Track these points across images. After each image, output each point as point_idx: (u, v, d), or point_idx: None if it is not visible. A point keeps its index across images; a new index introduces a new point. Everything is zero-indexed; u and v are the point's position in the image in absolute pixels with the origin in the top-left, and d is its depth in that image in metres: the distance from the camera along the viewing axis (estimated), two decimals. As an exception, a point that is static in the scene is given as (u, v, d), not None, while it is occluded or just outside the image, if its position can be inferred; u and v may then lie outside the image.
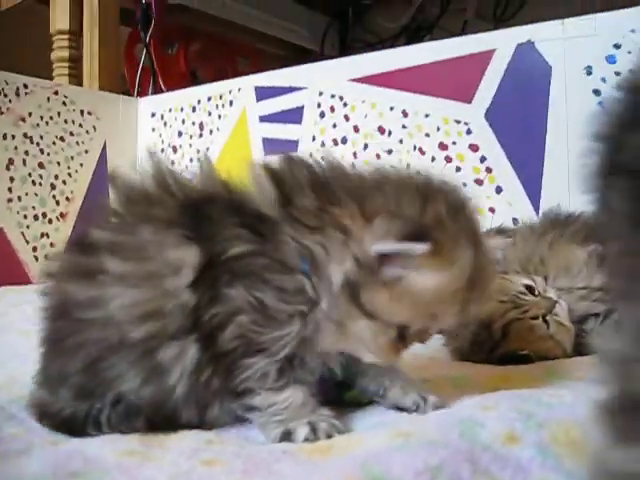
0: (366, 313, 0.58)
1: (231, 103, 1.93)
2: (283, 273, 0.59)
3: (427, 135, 1.60)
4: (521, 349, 0.91)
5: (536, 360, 0.91)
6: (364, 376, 0.68)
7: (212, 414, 0.64)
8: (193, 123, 2.01)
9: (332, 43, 2.99)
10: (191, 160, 1.99)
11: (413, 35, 2.76)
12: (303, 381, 0.62)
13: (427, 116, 1.60)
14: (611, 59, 1.37)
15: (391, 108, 1.65)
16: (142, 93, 2.28)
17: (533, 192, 1.46)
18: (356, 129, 1.71)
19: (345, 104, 1.72)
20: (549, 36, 1.43)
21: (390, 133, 1.65)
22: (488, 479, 0.46)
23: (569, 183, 1.41)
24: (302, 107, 1.79)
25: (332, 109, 1.74)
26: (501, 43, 1.49)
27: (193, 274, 0.59)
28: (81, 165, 1.97)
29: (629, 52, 1.35)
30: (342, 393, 0.69)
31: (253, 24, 2.70)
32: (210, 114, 1.97)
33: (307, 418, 0.61)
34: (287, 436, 0.60)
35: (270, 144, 1.84)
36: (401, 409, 0.67)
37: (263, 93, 1.87)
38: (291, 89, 1.81)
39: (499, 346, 0.93)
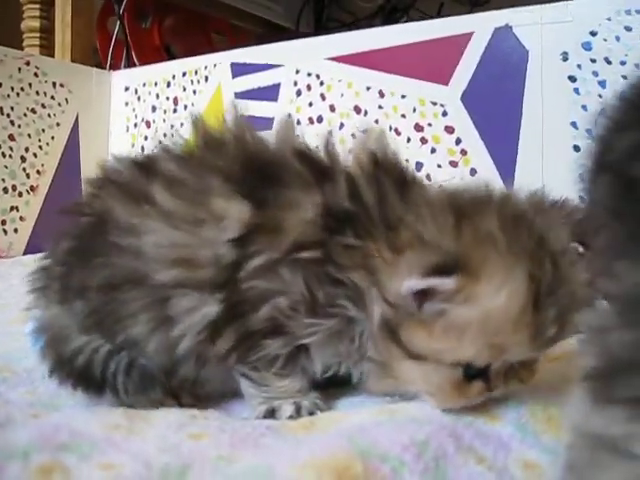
0: (410, 353, 0.55)
1: (206, 79, 1.91)
2: (339, 287, 0.57)
3: (403, 116, 1.61)
4: None
5: None
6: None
7: (206, 372, 0.63)
8: (167, 98, 1.99)
9: (307, 21, 2.97)
10: (165, 135, 1.97)
11: (389, 16, 2.75)
12: (306, 372, 0.62)
13: (403, 97, 1.60)
14: (587, 46, 1.39)
15: (367, 88, 1.65)
16: (115, 67, 2.24)
17: (507, 175, 1.47)
18: (332, 108, 1.71)
19: (322, 83, 1.72)
20: (526, 21, 1.44)
21: (366, 113, 1.65)
22: (472, 454, 0.48)
23: (543, 167, 1.43)
24: (278, 85, 1.78)
25: (308, 87, 1.74)
26: (479, 27, 1.50)
27: (239, 230, 0.57)
28: (52, 138, 1.94)
29: (604, 39, 1.37)
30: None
31: (229, 0, 2.67)
32: (185, 89, 1.96)
33: (292, 398, 0.61)
34: (271, 413, 0.60)
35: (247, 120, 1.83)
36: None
37: (239, 69, 1.85)
38: (268, 66, 1.80)
39: None
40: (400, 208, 0.57)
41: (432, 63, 1.56)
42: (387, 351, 0.56)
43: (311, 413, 0.60)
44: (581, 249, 0.92)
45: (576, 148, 1.40)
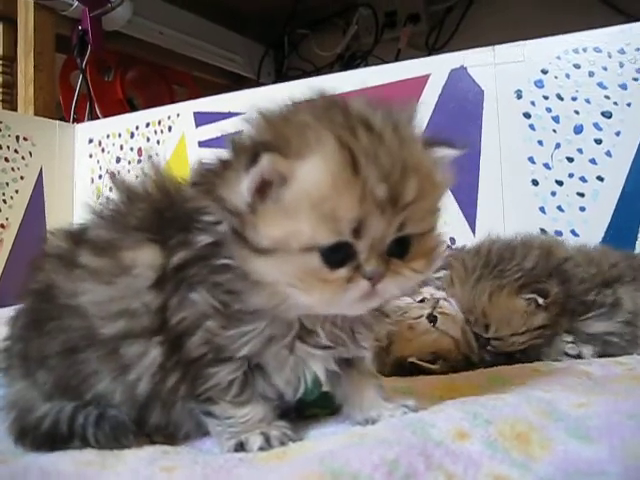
0: (259, 250, 0.54)
1: (170, 129, 1.93)
2: (223, 272, 0.58)
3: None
4: (409, 352, 0.94)
5: (430, 361, 0.94)
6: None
7: (176, 415, 0.65)
8: (131, 149, 2.01)
9: (268, 71, 3.02)
10: (130, 186, 1.98)
11: (348, 63, 2.82)
12: (266, 398, 0.63)
13: (365, 140, 1.63)
14: (539, 83, 1.43)
15: (329, 132, 1.68)
16: (78, 120, 2.25)
17: (469, 212, 1.50)
18: (296, 153, 1.73)
19: (285, 129, 1.75)
20: (481, 62, 1.49)
21: (329, 157, 1.68)
22: (442, 472, 0.48)
23: (503, 201, 1.46)
24: (241, 132, 1.80)
25: (272, 134, 1.76)
26: (435, 69, 1.55)
27: (154, 275, 0.60)
28: (17, 192, 1.94)
29: (556, 77, 1.42)
30: (302, 409, 0.70)
31: (190, 52, 2.71)
32: (149, 140, 1.97)
33: (259, 429, 0.61)
34: (241, 447, 0.60)
35: (210, 169, 1.84)
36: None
37: (202, 118, 1.88)
38: (230, 114, 1.83)
39: (389, 352, 0.96)
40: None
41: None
42: (243, 259, 0.56)
43: (282, 443, 0.60)
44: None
45: (534, 182, 1.43)
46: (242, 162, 0.54)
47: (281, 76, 3.01)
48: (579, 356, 0.99)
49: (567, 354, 0.99)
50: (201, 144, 1.87)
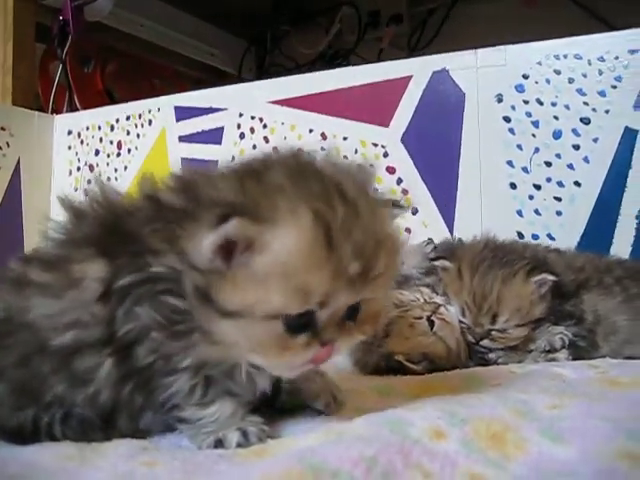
0: (224, 312, 0.54)
1: (150, 122, 1.92)
2: (172, 296, 0.58)
3: (346, 157, 1.63)
4: (401, 349, 0.96)
5: (418, 362, 0.96)
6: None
7: (145, 422, 0.65)
8: (111, 142, 1.99)
9: (250, 67, 3.01)
10: (108, 179, 1.97)
11: (330, 61, 2.82)
12: (233, 393, 0.63)
13: (345, 139, 1.64)
14: (520, 88, 1.45)
15: (310, 130, 1.68)
16: (57, 111, 2.23)
17: (447, 213, 1.51)
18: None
19: (265, 125, 1.75)
20: (463, 65, 1.50)
21: (309, 155, 1.68)
22: (419, 470, 0.49)
23: (481, 204, 1.47)
24: (222, 128, 1.80)
25: (252, 130, 1.76)
26: (417, 70, 1.55)
27: (101, 287, 0.60)
28: (-7, 182, 1.92)
29: (536, 82, 1.43)
30: (272, 399, 0.70)
31: (171, 45, 2.70)
32: (129, 133, 1.96)
33: (236, 425, 0.62)
34: (219, 443, 0.61)
35: (189, 164, 1.84)
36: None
37: (183, 113, 1.87)
38: (211, 110, 1.82)
39: (382, 345, 0.98)
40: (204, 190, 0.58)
41: (373, 106, 1.61)
42: (205, 316, 0.56)
43: (260, 439, 0.61)
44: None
45: (512, 185, 1.45)
46: (208, 219, 0.53)
47: (262, 72, 3.00)
48: (556, 349, 1.01)
49: (550, 349, 1.01)
50: (181, 139, 1.86)
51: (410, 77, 1.56)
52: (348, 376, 0.92)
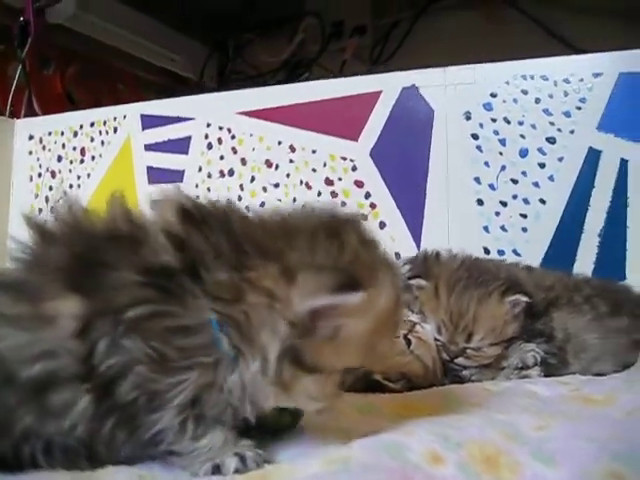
0: (310, 369, 0.58)
1: (115, 130, 1.90)
2: (187, 336, 0.58)
3: (314, 170, 1.65)
4: (379, 368, 0.97)
5: (396, 381, 0.97)
6: None
7: (126, 454, 0.63)
8: (74, 148, 1.97)
9: (211, 74, 3.00)
10: (71, 186, 1.94)
11: (292, 71, 2.83)
12: (223, 421, 0.62)
13: (314, 152, 1.65)
14: (488, 106, 1.48)
15: (279, 142, 1.69)
16: (15, 113, 2.19)
17: (415, 228, 1.53)
18: (243, 162, 1.73)
19: (233, 136, 1.75)
20: (432, 82, 1.53)
21: (277, 167, 1.69)
22: (423, 496, 0.50)
23: (448, 220, 1.50)
24: (189, 137, 1.80)
25: (220, 141, 1.76)
26: (387, 86, 1.57)
27: (76, 324, 0.58)
28: (-48, 187, 1.88)
29: (504, 101, 1.46)
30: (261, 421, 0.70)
31: (133, 50, 2.67)
32: (93, 140, 1.94)
33: (233, 450, 0.62)
34: (217, 469, 0.61)
35: (155, 173, 1.83)
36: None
37: (149, 121, 1.86)
38: (178, 119, 1.81)
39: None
40: (263, 240, 0.60)
41: (342, 120, 1.62)
42: (287, 372, 0.57)
43: (257, 464, 0.61)
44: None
45: (479, 202, 1.48)
46: (323, 280, 0.56)
47: (224, 79, 3.00)
48: (528, 367, 1.03)
49: (522, 366, 1.03)
50: (147, 147, 1.85)
51: (380, 92, 1.58)
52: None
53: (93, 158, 1.93)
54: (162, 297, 0.57)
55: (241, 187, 1.72)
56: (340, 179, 1.62)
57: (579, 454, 0.59)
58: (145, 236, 0.61)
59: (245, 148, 1.73)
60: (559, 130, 1.42)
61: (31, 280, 0.63)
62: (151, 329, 0.57)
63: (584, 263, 1.39)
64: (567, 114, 1.42)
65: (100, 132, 1.93)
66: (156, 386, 0.58)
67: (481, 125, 1.49)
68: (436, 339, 1.06)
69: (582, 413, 0.76)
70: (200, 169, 1.78)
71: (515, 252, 1.45)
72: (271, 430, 0.70)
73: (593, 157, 1.40)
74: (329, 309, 0.56)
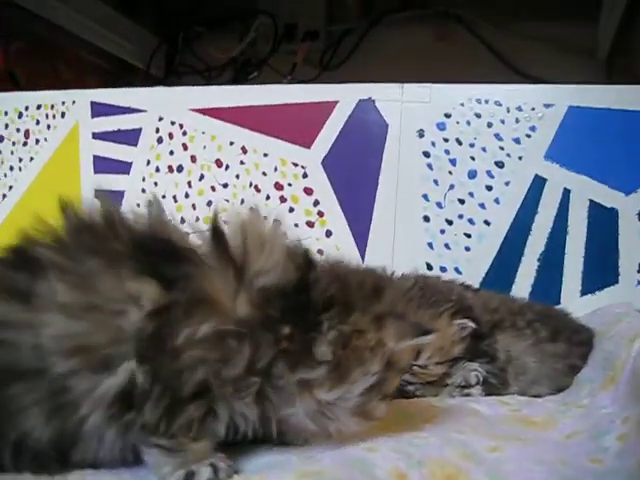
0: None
1: (63, 115, 1.86)
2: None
3: (264, 174, 1.66)
4: None
5: None
6: None
7: (107, 448, 0.63)
8: (18, 130, 1.91)
9: (159, 64, 2.97)
10: (11, 168, 1.89)
11: (241, 69, 2.82)
12: (213, 432, 0.64)
13: (266, 155, 1.66)
14: (441, 126, 1.52)
15: (231, 143, 1.69)
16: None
17: (360, 239, 1.56)
18: (193, 159, 1.72)
19: (184, 133, 1.74)
20: (389, 97, 1.56)
21: (228, 167, 1.69)
22: (393, 513, 0.52)
23: (394, 234, 1.53)
24: (140, 130, 1.78)
25: (171, 136, 1.75)
26: (344, 96, 1.59)
27: (152, 305, 0.59)
28: None
29: (457, 122, 1.51)
30: None
31: (81, 32, 2.62)
32: (38, 123, 1.89)
33: (209, 460, 0.62)
34: (190, 477, 0.61)
35: (102, 163, 1.80)
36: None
37: (100, 109, 1.82)
38: (130, 110, 1.79)
39: None
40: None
41: (297, 126, 1.63)
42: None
43: (228, 475, 0.62)
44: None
45: (426, 218, 1.52)
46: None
47: (172, 71, 2.97)
48: (471, 385, 1.06)
49: (465, 385, 1.06)
50: (95, 136, 1.82)
51: (336, 102, 1.60)
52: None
53: (37, 142, 1.89)
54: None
55: (189, 184, 1.72)
56: (290, 185, 1.63)
57: (531, 476, 0.62)
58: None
59: (196, 145, 1.73)
60: (508, 155, 1.47)
61: (77, 265, 0.62)
62: (261, 343, 0.62)
63: (522, 286, 1.44)
64: (517, 140, 1.47)
65: (47, 115, 1.88)
66: (221, 384, 0.61)
67: (433, 144, 1.52)
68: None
69: (527, 435, 0.79)
70: (148, 163, 1.76)
71: (457, 270, 1.49)
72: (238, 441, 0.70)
73: (538, 184, 1.45)
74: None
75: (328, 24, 2.72)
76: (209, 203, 1.69)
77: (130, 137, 1.78)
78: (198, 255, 0.64)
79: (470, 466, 0.63)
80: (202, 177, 1.71)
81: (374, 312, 0.67)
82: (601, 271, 1.43)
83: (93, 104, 1.84)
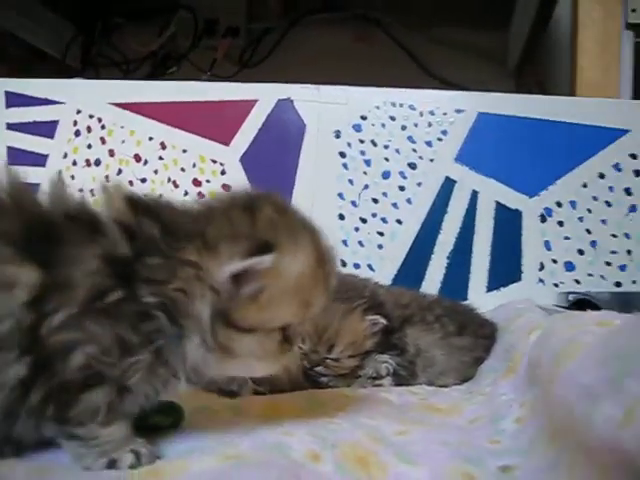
0: (245, 330, 0.64)
1: (-25, 104, 1.82)
2: (143, 321, 0.61)
3: (182, 170, 1.67)
4: None
5: (260, 384, 1.03)
6: None
7: (20, 430, 0.63)
8: None
9: (75, 54, 2.92)
10: None
11: (160, 63, 2.81)
12: (128, 414, 0.65)
13: (185, 151, 1.67)
14: (357, 127, 1.57)
15: (150, 138, 1.69)
16: None
17: (278, 235, 1.60)
18: (111, 153, 1.72)
19: (103, 126, 1.73)
20: (307, 97, 1.60)
21: (146, 162, 1.69)
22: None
23: (311, 231, 1.57)
24: (56, 122, 1.76)
25: (89, 129, 1.74)
26: (263, 95, 1.63)
27: (29, 294, 0.58)
28: None
29: (373, 124, 1.57)
30: (145, 417, 0.70)
31: (-7, 17, 2.55)
32: (-53, 111, 1.84)
33: (130, 446, 0.63)
34: (113, 464, 0.62)
35: (16, 154, 1.77)
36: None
37: (15, 99, 1.79)
38: (47, 101, 1.77)
39: None
40: (187, 223, 0.65)
41: (216, 123, 1.66)
42: (225, 336, 0.63)
43: (150, 461, 0.63)
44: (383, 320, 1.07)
45: (341, 216, 1.57)
46: (236, 250, 0.62)
47: (88, 61, 2.92)
48: (381, 376, 1.12)
49: (376, 376, 1.11)
50: (10, 126, 1.79)
51: (256, 101, 1.63)
52: (199, 394, 0.96)
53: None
54: (124, 285, 0.60)
55: (107, 178, 1.71)
56: (208, 181, 1.66)
57: (436, 457, 0.67)
58: (100, 224, 0.63)
59: (114, 139, 1.72)
60: (420, 157, 1.54)
61: None
62: (121, 314, 0.60)
63: (432, 282, 1.51)
64: (429, 144, 1.54)
65: (-43, 104, 1.84)
66: (105, 368, 0.60)
67: (349, 144, 1.58)
68: (299, 347, 1.11)
69: (433, 421, 0.85)
70: (65, 155, 1.74)
71: (370, 267, 1.55)
72: (150, 429, 0.72)
73: (448, 186, 1.53)
74: (247, 272, 0.61)
75: (249, 22, 2.74)
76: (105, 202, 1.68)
77: (47, 129, 1.76)
78: (81, 236, 0.62)
79: (379, 448, 0.67)
80: (120, 172, 1.71)
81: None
82: (505, 269, 1.52)
83: (8, 94, 1.80)
